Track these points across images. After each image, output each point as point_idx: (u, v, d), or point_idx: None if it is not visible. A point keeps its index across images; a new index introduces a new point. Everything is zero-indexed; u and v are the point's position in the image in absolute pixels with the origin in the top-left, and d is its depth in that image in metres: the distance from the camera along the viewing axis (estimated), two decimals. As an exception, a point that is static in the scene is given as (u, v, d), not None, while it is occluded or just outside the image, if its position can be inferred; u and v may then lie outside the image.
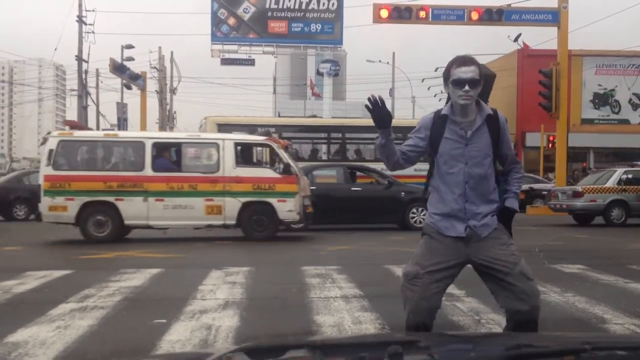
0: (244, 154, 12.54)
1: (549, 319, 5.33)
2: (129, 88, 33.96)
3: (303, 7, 31.77)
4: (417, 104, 49.40)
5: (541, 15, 23.30)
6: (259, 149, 13.96)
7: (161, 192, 11.62)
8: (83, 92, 32.90)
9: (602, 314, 5.36)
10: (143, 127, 32.56)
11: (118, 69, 31.21)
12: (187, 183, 11.72)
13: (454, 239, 3.38)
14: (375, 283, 7.08)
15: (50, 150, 11.58)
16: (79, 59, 31.79)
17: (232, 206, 11.69)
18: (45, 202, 11.53)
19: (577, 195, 16.39)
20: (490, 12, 22.61)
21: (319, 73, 41.06)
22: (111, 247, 10.88)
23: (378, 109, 3.29)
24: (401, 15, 22.61)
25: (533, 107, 23.51)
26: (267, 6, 31.55)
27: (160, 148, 12.04)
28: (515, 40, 28.55)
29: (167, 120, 44.37)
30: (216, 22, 31.87)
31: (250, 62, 33.48)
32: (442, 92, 35.89)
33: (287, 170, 11.79)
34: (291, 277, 7.44)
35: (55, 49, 32.70)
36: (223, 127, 17.39)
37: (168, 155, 12.19)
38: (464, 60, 3.38)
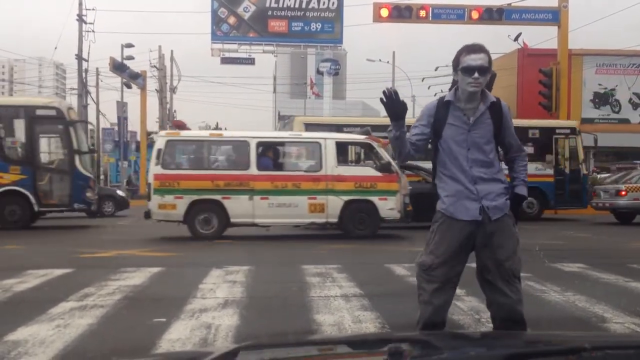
0: (345, 153, 12.93)
1: (549, 318, 5.34)
2: (129, 87, 33.91)
3: (303, 6, 31.73)
4: (417, 103, 49.31)
5: (541, 15, 23.31)
6: (359, 147, 14.31)
7: (266, 190, 11.84)
8: (83, 90, 32.88)
9: (602, 313, 5.36)
10: (143, 126, 32.55)
11: (118, 67, 31.17)
12: (291, 182, 11.97)
13: (467, 222, 3.42)
14: (376, 282, 7.08)
15: (159, 150, 11.89)
16: (79, 57, 31.77)
17: (334, 204, 11.92)
18: (155, 201, 11.80)
19: (620, 194, 16.53)
20: (491, 11, 22.62)
21: (319, 72, 41.07)
22: (111, 245, 10.89)
23: (391, 102, 3.34)
24: (401, 14, 22.62)
25: (533, 107, 23.47)
26: (267, 5, 31.50)
27: (264, 147, 12.29)
28: (516, 39, 28.53)
29: (167, 119, 44.35)
30: (216, 21, 31.84)
31: (250, 61, 33.44)
32: (441, 91, 35.88)
33: (388, 168, 12.01)
34: (291, 276, 7.44)
35: (56, 48, 32.70)
36: (310, 127, 17.46)
37: (271, 154, 12.49)
38: (474, 48, 3.42)
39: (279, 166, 12.58)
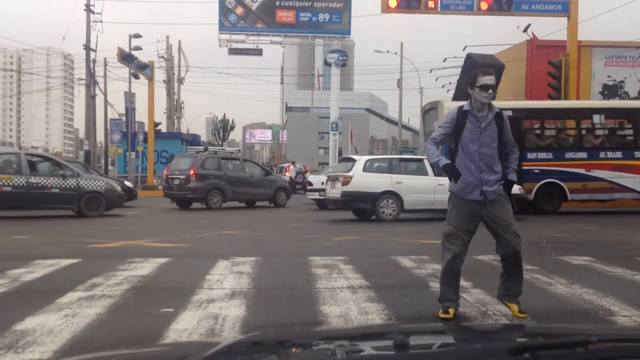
0: None
1: (555, 310, 5.34)
2: (137, 77, 33.94)
3: (311, -4, 31.66)
4: (425, 94, 49.15)
5: (551, 6, 23.17)
6: None
7: None
8: (91, 81, 32.97)
9: (609, 306, 5.34)
10: (151, 117, 32.58)
11: (126, 58, 31.19)
12: None
13: (472, 201, 4.82)
14: (382, 274, 7.08)
15: None
16: (87, 48, 31.86)
17: None
18: None
19: None
20: (500, 2, 22.49)
21: (326, 63, 40.93)
22: (119, 236, 10.93)
23: (450, 170, 4.76)
24: (410, 4, 22.51)
25: (542, 98, 23.34)
26: (275, -5, 31.46)
27: None
28: (525, 30, 28.33)
29: (174, 109, 44.43)
30: (224, 11, 31.85)
31: (257, 52, 33.41)
32: (450, 83, 35.72)
33: None
34: (298, 267, 7.45)
35: (64, 38, 32.74)
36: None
37: None
38: (487, 71, 4.88)
39: None
